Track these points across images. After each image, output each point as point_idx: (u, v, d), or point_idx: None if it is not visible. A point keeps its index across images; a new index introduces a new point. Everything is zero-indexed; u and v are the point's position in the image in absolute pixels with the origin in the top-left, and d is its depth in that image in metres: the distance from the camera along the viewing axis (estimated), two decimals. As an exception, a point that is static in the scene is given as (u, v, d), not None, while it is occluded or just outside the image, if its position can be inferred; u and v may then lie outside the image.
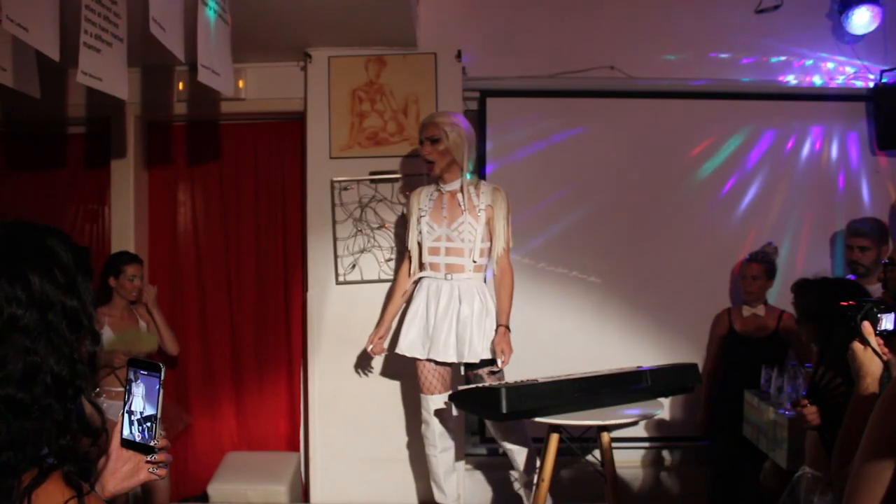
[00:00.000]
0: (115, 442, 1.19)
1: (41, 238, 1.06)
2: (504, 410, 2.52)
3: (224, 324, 4.03)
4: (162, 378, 1.18)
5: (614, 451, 2.81)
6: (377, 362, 3.64)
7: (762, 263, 3.43)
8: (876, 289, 2.78)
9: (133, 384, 1.19)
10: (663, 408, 3.14)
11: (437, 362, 3.07)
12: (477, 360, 3.00)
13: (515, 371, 3.16)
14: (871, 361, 1.38)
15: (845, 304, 1.46)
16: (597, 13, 3.83)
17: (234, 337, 4.03)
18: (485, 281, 3.16)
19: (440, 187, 3.13)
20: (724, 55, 3.82)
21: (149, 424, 1.18)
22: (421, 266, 3.14)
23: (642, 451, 3.83)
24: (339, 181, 3.68)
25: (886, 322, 1.41)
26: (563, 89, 3.78)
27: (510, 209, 3.12)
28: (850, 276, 3.34)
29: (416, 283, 3.16)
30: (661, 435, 3.77)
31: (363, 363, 3.64)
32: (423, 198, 3.17)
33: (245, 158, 4.05)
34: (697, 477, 3.70)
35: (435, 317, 3.03)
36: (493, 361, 3.02)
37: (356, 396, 3.66)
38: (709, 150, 3.80)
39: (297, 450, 3.96)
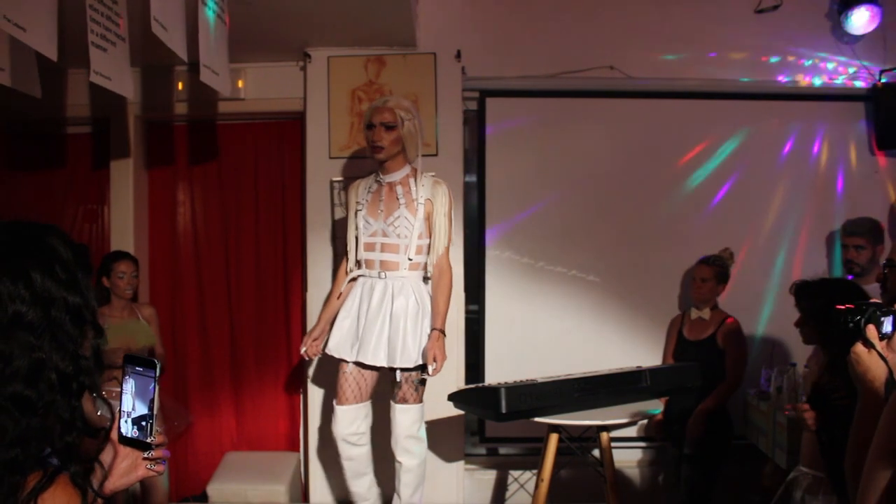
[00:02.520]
0: (113, 439, 1.19)
1: (41, 236, 1.07)
2: (503, 410, 2.53)
3: (224, 324, 4.03)
4: (157, 375, 1.18)
5: (613, 451, 2.81)
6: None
7: (713, 266, 3.39)
8: (873, 288, 2.77)
9: (128, 381, 1.19)
10: (662, 407, 3.14)
11: (364, 366, 2.89)
12: (410, 365, 2.82)
13: (515, 371, 3.16)
14: (876, 366, 1.38)
15: (841, 307, 1.46)
16: (597, 13, 3.83)
17: (234, 337, 4.04)
18: (425, 280, 2.99)
19: (380, 178, 2.94)
20: (723, 55, 3.82)
21: (145, 422, 1.18)
22: (357, 263, 2.97)
23: (641, 451, 3.83)
24: (339, 181, 3.68)
25: (887, 325, 1.41)
26: (562, 89, 3.78)
27: (453, 204, 2.96)
28: (848, 276, 3.34)
29: (353, 281, 2.98)
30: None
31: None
32: (360, 190, 2.98)
33: (245, 158, 4.05)
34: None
35: (366, 317, 2.84)
36: (418, 369, 2.86)
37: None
38: (708, 149, 3.80)
39: (297, 450, 3.96)
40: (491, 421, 3.50)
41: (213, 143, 4.02)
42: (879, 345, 1.39)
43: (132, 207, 3.89)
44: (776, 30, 3.80)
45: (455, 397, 2.81)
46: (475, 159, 3.84)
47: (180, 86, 3.85)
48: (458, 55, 3.65)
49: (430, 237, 2.90)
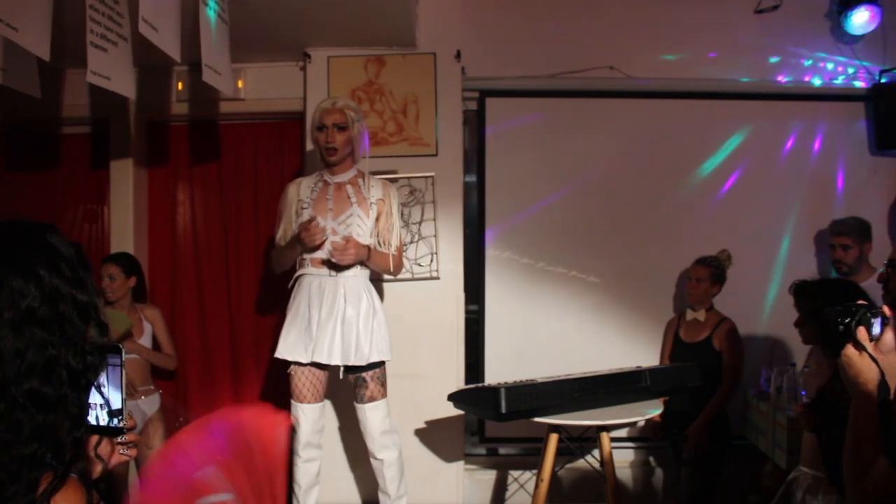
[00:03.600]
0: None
1: (42, 234, 1.07)
2: (503, 410, 2.52)
3: (224, 324, 4.03)
4: (122, 359, 1.18)
5: (613, 451, 2.81)
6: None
7: (708, 267, 3.38)
8: (868, 287, 2.77)
9: None
10: (662, 408, 3.14)
11: (319, 366, 2.87)
12: (364, 363, 2.84)
13: (515, 371, 3.16)
14: (868, 368, 1.38)
15: (831, 309, 1.46)
16: (596, 13, 3.83)
17: (234, 337, 4.04)
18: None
19: (326, 178, 2.93)
20: (723, 55, 3.82)
21: (118, 407, 1.19)
22: (300, 262, 2.91)
23: (641, 452, 3.83)
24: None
25: (876, 327, 1.41)
26: (562, 89, 3.78)
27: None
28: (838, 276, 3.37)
29: (296, 281, 2.93)
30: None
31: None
32: (303, 189, 2.93)
33: (245, 158, 4.05)
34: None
35: (319, 317, 2.81)
36: (381, 364, 2.91)
37: (349, 397, 3.65)
38: (708, 149, 3.80)
39: (297, 450, 3.96)
40: (491, 421, 3.50)
41: (213, 143, 4.02)
42: (870, 346, 1.39)
43: (132, 207, 3.89)
44: (776, 30, 3.81)
45: (455, 397, 2.81)
46: (475, 159, 3.84)
47: (180, 86, 3.86)
48: (458, 55, 3.65)
49: (378, 236, 2.94)
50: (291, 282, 2.94)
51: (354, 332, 2.83)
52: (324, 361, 2.83)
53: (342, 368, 2.87)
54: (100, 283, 3.33)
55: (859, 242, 3.34)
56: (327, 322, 2.82)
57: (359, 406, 2.93)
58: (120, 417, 1.19)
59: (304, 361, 2.86)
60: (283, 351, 2.88)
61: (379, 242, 2.95)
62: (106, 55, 2.35)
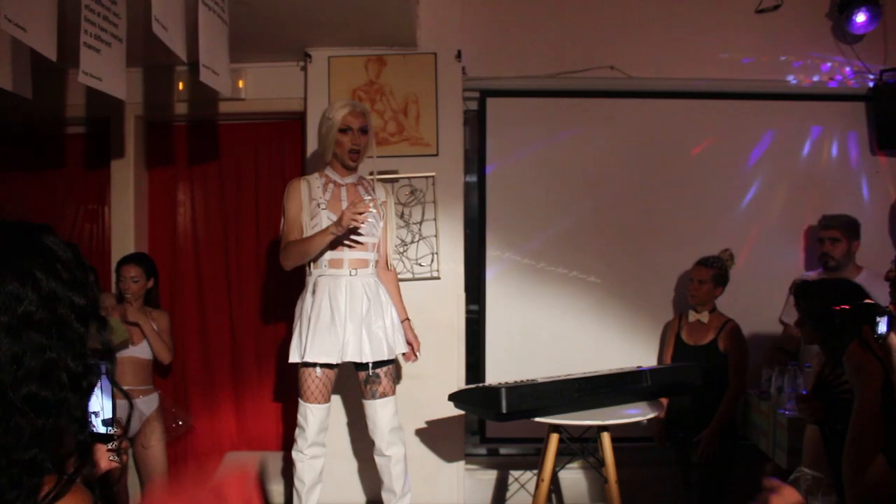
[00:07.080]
0: None
1: (38, 236, 1.07)
2: (504, 410, 2.52)
3: (224, 324, 4.03)
4: (114, 368, 1.18)
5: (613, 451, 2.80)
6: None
7: (710, 268, 3.36)
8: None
9: None
10: (663, 408, 3.14)
11: (331, 366, 2.90)
12: (394, 356, 2.97)
13: (515, 371, 3.16)
14: (873, 366, 1.38)
15: (837, 308, 1.46)
16: (597, 13, 3.83)
17: (235, 337, 4.03)
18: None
19: (335, 179, 2.97)
20: (723, 55, 3.82)
21: (109, 415, 1.19)
22: (315, 262, 2.93)
23: (642, 452, 3.82)
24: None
25: (882, 325, 1.41)
26: (563, 89, 3.78)
27: None
28: (819, 269, 3.40)
29: (313, 283, 2.95)
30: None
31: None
32: (313, 188, 2.94)
33: (245, 158, 4.05)
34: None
35: (344, 317, 2.86)
36: (392, 361, 2.99)
37: (354, 396, 3.65)
38: (708, 150, 3.80)
39: (297, 450, 3.95)
40: (491, 421, 3.50)
41: (213, 144, 4.02)
42: (875, 345, 1.39)
43: (132, 207, 3.89)
44: (776, 30, 3.80)
45: (455, 397, 2.81)
46: (475, 159, 3.84)
47: (181, 86, 3.85)
48: (459, 55, 3.65)
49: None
50: (312, 285, 2.93)
51: (381, 328, 2.91)
52: (357, 360, 2.88)
53: (371, 365, 2.92)
54: (118, 284, 3.34)
55: (848, 237, 3.35)
56: (353, 321, 2.87)
57: (369, 402, 2.96)
58: (111, 426, 1.19)
59: (335, 362, 2.88)
60: (315, 354, 2.85)
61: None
62: (98, 56, 2.34)
